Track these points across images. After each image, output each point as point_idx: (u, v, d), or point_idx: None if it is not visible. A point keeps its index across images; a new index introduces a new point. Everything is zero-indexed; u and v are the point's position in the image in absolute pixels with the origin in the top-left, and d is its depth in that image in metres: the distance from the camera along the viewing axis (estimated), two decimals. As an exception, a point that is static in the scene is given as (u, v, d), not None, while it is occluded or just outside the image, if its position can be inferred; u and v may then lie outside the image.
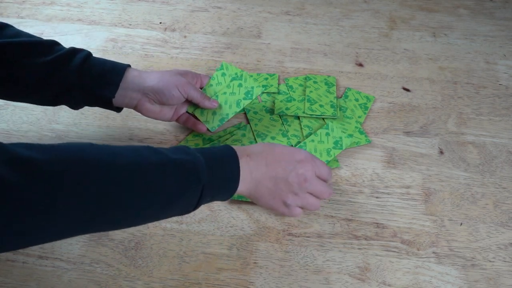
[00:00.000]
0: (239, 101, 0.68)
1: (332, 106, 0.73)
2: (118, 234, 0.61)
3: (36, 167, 0.38)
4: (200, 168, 0.48)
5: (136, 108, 0.64)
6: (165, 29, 0.89)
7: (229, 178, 0.52)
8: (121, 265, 0.58)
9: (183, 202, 0.48)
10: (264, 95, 0.77)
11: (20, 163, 0.37)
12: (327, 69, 0.81)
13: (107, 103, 0.62)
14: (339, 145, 0.67)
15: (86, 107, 0.64)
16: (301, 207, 0.57)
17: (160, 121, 0.70)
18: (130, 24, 0.90)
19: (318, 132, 0.69)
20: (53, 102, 0.62)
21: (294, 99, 0.75)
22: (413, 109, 0.75)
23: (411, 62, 0.83)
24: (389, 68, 0.82)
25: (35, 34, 0.62)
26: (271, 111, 0.74)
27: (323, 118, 0.73)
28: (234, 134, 0.71)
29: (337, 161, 0.68)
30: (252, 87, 0.68)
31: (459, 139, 0.71)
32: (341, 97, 0.76)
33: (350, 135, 0.70)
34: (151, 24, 0.90)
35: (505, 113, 0.75)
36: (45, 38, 0.61)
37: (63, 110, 0.75)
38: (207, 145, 0.70)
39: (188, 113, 0.70)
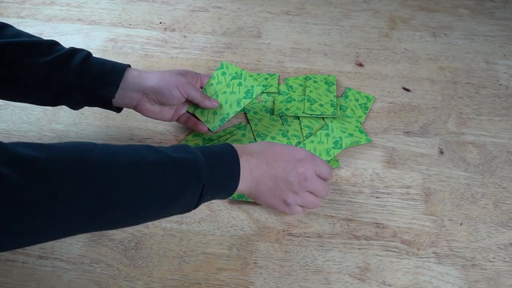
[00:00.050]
0: (240, 100, 0.68)
1: (332, 105, 0.73)
2: (118, 234, 0.61)
3: (36, 166, 0.38)
4: (200, 167, 0.48)
5: (136, 108, 0.64)
6: (165, 29, 0.89)
7: (230, 176, 0.52)
8: (121, 265, 0.58)
9: (184, 201, 0.48)
10: (264, 95, 0.77)
11: (20, 162, 0.37)
12: (327, 69, 0.81)
13: (107, 103, 0.62)
14: (338, 145, 0.67)
15: (86, 107, 0.64)
16: (301, 206, 0.57)
17: (160, 121, 0.70)
18: (130, 24, 0.90)
19: (318, 133, 0.69)
20: (53, 102, 0.62)
21: (294, 100, 0.75)
22: (413, 109, 0.75)
23: (411, 62, 0.83)
24: (389, 68, 0.82)
25: (35, 34, 0.62)
26: (271, 111, 0.74)
27: (323, 118, 0.72)
28: (234, 134, 0.71)
29: (337, 161, 0.68)
30: (252, 86, 0.68)
31: (459, 139, 0.71)
32: (341, 97, 0.76)
33: (350, 135, 0.70)
34: (151, 24, 0.90)
35: (505, 113, 0.75)
36: (45, 38, 0.61)
37: (63, 110, 0.75)
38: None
39: (189, 113, 0.70)
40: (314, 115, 0.72)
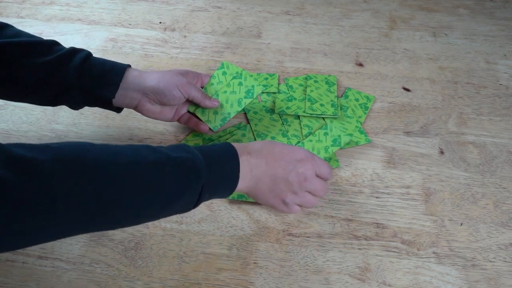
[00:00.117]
0: (240, 100, 0.68)
1: (333, 105, 0.73)
2: (118, 234, 0.61)
3: (31, 166, 0.38)
4: (199, 166, 0.48)
5: (136, 108, 0.64)
6: (165, 29, 0.89)
7: (229, 176, 0.52)
8: (121, 265, 0.58)
9: (184, 201, 0.48)
10: (264, 95, 0.77)
11: (14, 163, 0.37)
12: (327, 69, 0.81)
13: (107, 104, 0.62)
14: (337, 143, 0.67)
15: (86, 107, 0.64)
16: (299, 205, 0.57)
17: (160, 121, 0.70)
18: (130, 24, 0.90)
19: (317, 132, 0.69)
20: (53, 102, 0.62)
21: (295, 98, 0.75)
22: (414, 109, 0.75)
23: (411, 62, 0.82)
24: (389, 68, 0.82)
25: (34, 34, 0.62)
26: (271, 111, 0.74)
27: (323, 118, 0.72)
28: (234, 134, 0.71)
29: (337, 161, 0.68)
30: (253, 86, 0.68)
31: (460, 139, 0.71)
32: (341, 97, 0.76)
33: (350, 134, 0.70)
34: (151, 24, 0.90)
35: (505, 113, 0.75)
36: (44, 38, 0.61)
37: (63, 110, 0.75)
38: (207, 145, 0.70)
39: (189, 112, 0.70)
40: (315, 115, 0.72)
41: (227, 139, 0.70)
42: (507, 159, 0.69)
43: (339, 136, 0.68)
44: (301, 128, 0.71)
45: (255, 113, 0.74)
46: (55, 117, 0.74)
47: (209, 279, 0.57)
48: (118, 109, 0.65)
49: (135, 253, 0.59)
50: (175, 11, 0.92)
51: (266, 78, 0.79)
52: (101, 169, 0.42)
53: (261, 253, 0.59)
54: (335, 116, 0.72)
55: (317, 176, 0.57)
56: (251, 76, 0.78)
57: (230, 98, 0.68)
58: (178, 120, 0.69)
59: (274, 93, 0.77)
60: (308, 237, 0.61)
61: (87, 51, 0.61)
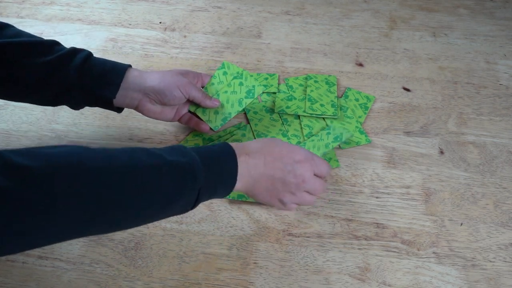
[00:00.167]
0: (241, 99, 0.68)
1: (333, 106, 0.73)
2: (118, 234, 0.61)
3: (28, 173, 0.38)
4: (196, 168, 0.48)
5: (137, 108, 0.64)
6: (165, 29, 0.89)
7: (227, 177, 0.52)
8: (121, 265, 0.58)
9: (181, 203, 0.48)
10: (264, 95, 0.77)
11: (10, 168, 0.37)
12: (327, 69, 0.81)
13: (108, 104, 0.62)
14: (338, 139, 0.68)
15: (86, 107, 0.64)
16: (297, 204, 0.57)
17: (160, 121, 0.70)
18: (130, 24, 0.90)
19: (319, 133, 0.69)
20: (53, 102, 0.62)
21: (295, 98, 0.75)
22: (414, 109, 0.75)
23: (411, 62, 0.82)
24: (389, 68, 0.82)
25: (35, 34, 0.62)
26: (271, 111, 0.74)
27: (323, 118, 0.72)
28: (234, 134, 0.71)
29: (337, 161, 0.68)
30: (254, 86, 0.69)
31: (460, 139, 0.71)
32: (341, 97, 0.76)
33: (351, 132, 0.70)
34: (151, 24, 0.90)
35: (505, 113, 0.75)
36: (45, 38, 0.61)
37: (63, 110, 0.75)
38: (207, 145, 0.70)
39: (190, 112, 0.70)
40: (315, 115, 0.72)
41: (227, 139, 0.70)
42: (507, 159, 0.69)
43: (341, 133, 0.68)
44: (301, 128, 0.71)
45: (255, 113, 0.74)
46: (55, 117, 0.74)
47: (209, 279, 0.57)
48: (119, 109, 0.65)
49: (135, 253, 0.59)
50: (175, 11, 0.92)
51: (266, 78, 0.79)
52: (100, 170, 0.42)
53: (261, 253, 0.59)
54: (335, 117, 0.72)
55: (316, 175, 0.57)
56: (252, 76, 0.78)
57: (231, 98, 0.68)
58: (179, 120, 0.69)
59: (274, 93, 0.77)
60: (308, 237, 0.61)
61: (87, 51, 0.61)
